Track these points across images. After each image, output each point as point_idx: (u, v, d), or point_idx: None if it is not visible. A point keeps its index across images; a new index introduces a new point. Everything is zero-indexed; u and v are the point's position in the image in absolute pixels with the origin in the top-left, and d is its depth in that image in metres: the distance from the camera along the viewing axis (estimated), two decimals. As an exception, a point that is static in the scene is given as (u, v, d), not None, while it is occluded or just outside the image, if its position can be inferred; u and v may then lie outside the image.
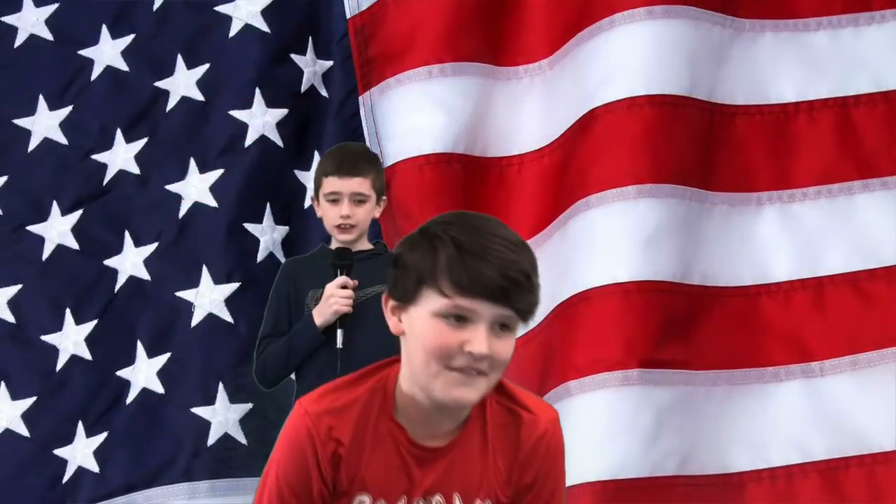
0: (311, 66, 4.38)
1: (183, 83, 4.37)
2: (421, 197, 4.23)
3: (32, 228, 4.35)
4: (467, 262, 1.89)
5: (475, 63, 4.29)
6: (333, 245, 3.74)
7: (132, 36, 4.45)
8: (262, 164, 4.28)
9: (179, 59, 4.39)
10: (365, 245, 3.73)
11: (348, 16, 4.37)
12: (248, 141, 4.28)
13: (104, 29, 4.48)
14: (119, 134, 4.38)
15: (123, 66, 4.44)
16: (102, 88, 4.44)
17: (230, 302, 4.15)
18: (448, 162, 4.25)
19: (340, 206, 3.66)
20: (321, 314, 3.59)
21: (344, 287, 3.59)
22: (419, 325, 1.94)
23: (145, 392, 4.13)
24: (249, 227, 4.23)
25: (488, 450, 2.02)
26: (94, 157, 4.39)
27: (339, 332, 3.58)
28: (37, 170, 4.41)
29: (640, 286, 3.93)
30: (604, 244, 3.99)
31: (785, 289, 4.06)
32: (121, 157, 4.36)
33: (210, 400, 4.08)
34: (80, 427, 4.14)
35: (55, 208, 4.35)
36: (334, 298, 3.58)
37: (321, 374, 3.59)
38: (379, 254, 3.73)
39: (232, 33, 4.36)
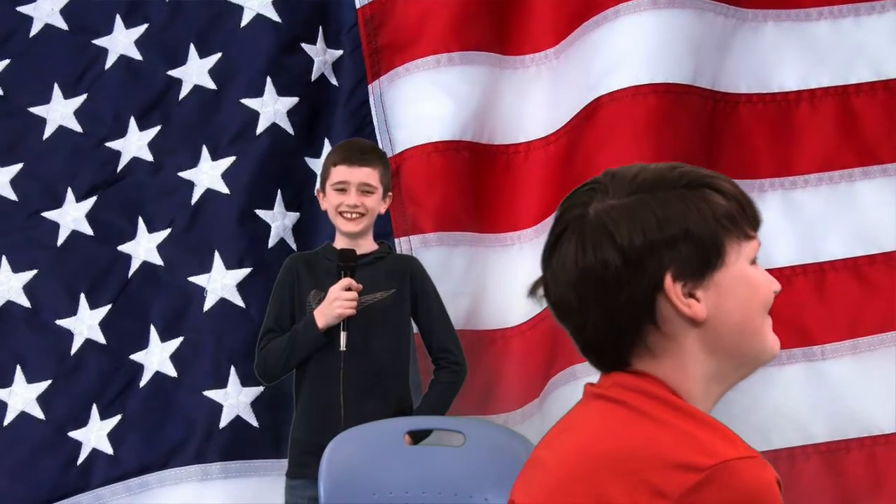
0: (321, 56, 4.40)
1: (195, 72, 4.39)
2: (429, 184, 4.26)
3: (47, 215, 4.36)
4: (743, 194, 1.62)
5: (482, 52, 4.32)
6: (337, 241, 3.75)
7: (145, 25, 4.46)
8: (274, 152, 4.29)
9: (192, 49, 4.41)
10: (370, 245, 3.75)
11: (357, 6, 4.39)
12: (260, 129, 4.29)
13: (118, 19, 4.49)
14: (133, 122, 4.39)
15: (137, 56, 4.45)
16: (116, 77, 4.45)
17: (242, 287, 4.17)
18: (456, 149, 4.28)
19: (348, 195, 3.68)
20: (324, 316, 3.59)
21: (348, 289, 3.60)
22: (740, 283, 1.60)
23: (158, 375, 4.15)
24: (261, 213, 4.25)
25: None
26: (108, 144, 4.40)
27: (343, 335, 3.58)
28: (52, 157, 4.42)
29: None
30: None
31: (787, 274, 4.09)
32: (134, 144, 4.38)
33: (222, 383, 4.11)
34: (95, 410, 4.16)
35: (70, 195, 4.36)
36: (339, 302, 3.57)
37: (324, 376, 3.63)
38: (382, 257, 3.76)
39: (244, 23, 4.38)
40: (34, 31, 4.55)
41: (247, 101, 4.33)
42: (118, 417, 4.15)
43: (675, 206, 1.58)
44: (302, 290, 3.70)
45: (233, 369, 4.12)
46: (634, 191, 1.61)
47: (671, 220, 1.58)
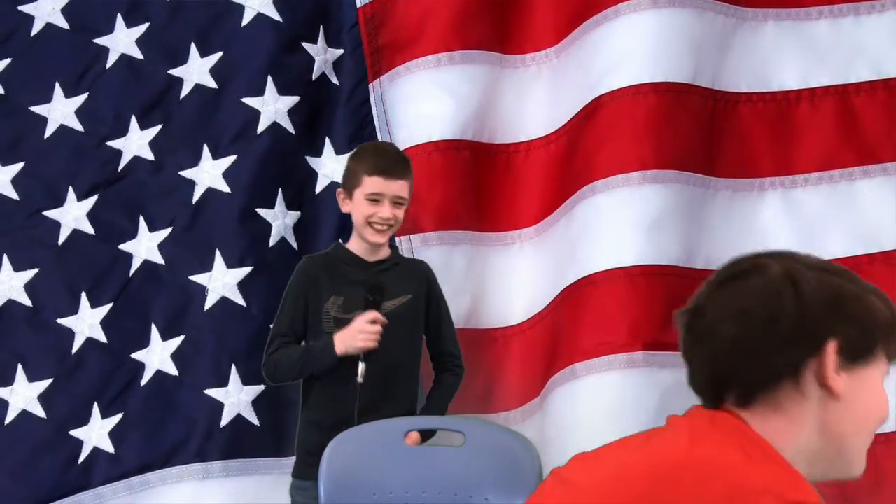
0: (322, 55, 4.41)
1: (196, 71, 4.40)
2: (430, 183, 4.26)
3: (49, 213, 4.37)
4: None
5: (483, 51, 4.32)
6: (353, 243, 3.74)
7: (146, 25, 4.48)
8: (274, 151, 4.29)
9: (193, 48, 4.42)
10: (385, 250, 3.74)
11: (358, 5, 4.40)
12: (261, 128, 4.30)
13: (119, 18, 4.50)
14: (134, 121, 4.40)
15: (138, 55, 4.46)
16: (117, 76, 4.46)
17: (243, 286, 4.17)
18: (456, 148, 4.29)
19: (381, 207, 3.65)
20: (345, 345, 3.57)
21: (373, 322, 3.57)
22: (875, 388, 1.70)
23: (159, 374, 4.15)
24: (262, 212, 4.24)
25: None
26: (110, 143, 4.41)
27: (361, 366, 3.55)
28: (53, 156, 4.42)
29: (645, 270, 3.97)
30: (610, 229, 4.03)
31: (787, 273, 4.09)
32: (135, 143, 4.38)
33: (223, 382, 4.11)
34: (96, 408, 4.16)
35: (71, 194, 4.37)
36: (363, 335, 3.55)
37: (339, 382, 3.62)
38: (397, 262, 3.75)
39: (244, 22, 4.38)
40: (35, 30, 4.56)
41: (248, 100, 4.33)
42: (119, 416, 4.15)
43: (854, 290, 1.67)
44: (320, 295, 3.67)
45: (234, 368, 4.12)
46: (817, 267, 1.69)
47: (853, 300, 1.66)
